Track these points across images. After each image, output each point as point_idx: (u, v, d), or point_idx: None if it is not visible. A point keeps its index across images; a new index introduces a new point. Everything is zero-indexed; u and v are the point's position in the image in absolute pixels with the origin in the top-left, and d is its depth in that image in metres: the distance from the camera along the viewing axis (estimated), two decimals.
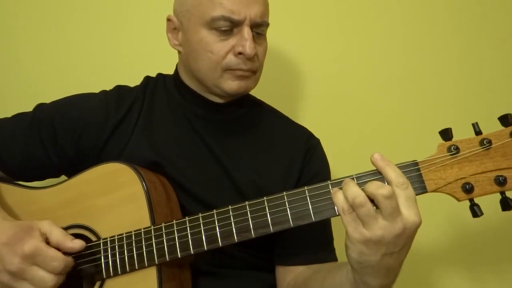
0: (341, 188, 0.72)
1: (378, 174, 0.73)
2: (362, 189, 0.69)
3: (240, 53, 0.91)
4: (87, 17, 1.37)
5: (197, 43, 0.93)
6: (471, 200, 0.73)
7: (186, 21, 0.96)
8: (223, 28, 0.91)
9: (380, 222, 0.67)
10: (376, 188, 0.68)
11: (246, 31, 0.91)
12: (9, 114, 1.01)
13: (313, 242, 0.96)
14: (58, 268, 0.79)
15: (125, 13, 1.38)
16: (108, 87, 1.04)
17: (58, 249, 0.81)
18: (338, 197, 0.70)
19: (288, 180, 0.98)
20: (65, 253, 0.81)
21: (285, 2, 1.35)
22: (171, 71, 1.07)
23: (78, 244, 0.82)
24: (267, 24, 0.96)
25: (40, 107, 1.00)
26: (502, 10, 1.38)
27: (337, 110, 1.37)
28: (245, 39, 0.90)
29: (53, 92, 1.04)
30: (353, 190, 0.69)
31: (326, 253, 0.98)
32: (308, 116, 1.34)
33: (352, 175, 0.75)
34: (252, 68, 0.94)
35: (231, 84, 0.94)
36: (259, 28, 0.94)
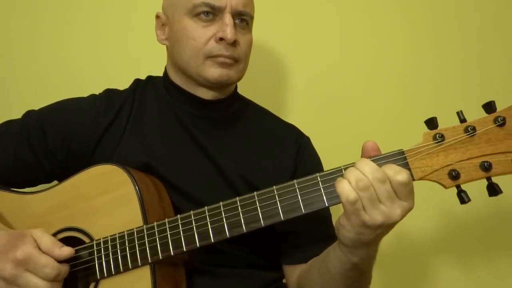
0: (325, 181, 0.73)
1: None
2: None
3: (221, 39, 0.93)
4: (76, 21, 1.38)
5: (180, 31, 0.96)
6: (458, 186, 0.74)
7: (171, 14, 0.99)
8: (204, 15, 0.94)
9: (379, 206, 0.70)
10: (371, 171, 0.70)
11: (227, 18, 0.93)
12: (9, 114, 1.02)
13: (316, 238, 0.96)
14: (50, 275, 0.78)
15: (115, 16, 1.39)
16: (98, 90, 1.05)
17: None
18: (344, 185, 0.71)
19: (280, 178, 0.96)
20: (60, 260, 0.81)
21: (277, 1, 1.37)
22: (161, 74, 1.07)
23: (66, 251, 0.82)
24: (250, 16, 0.98)
25: (29, 113, 1.01)
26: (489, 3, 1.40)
27: (324, 106, 1.38)
28: (225, 25, 0.93)
29: (42, 96, 1.05)
30: (362, 176, 0.70)
31: (327, 247, 0.98)
32: (297, 114, 1.35)
33: (341, 167, 0.76)
34: (234, 55, 0.95)
35: (213, 72, 0.95)
36: (241, 17, 0.96)
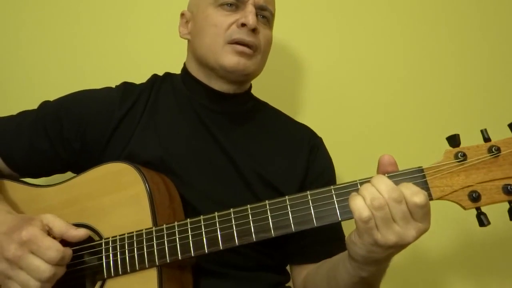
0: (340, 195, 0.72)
1: None
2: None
3: (243, 25, 0.95)
4: (93, 15, 1.38)
5: (203, 20, 0.99)
6: (478, 208, 0.72)
7: (196, 8, 1.02)
8: (228, 6, 0.97)
9: (393, 227, 0.68)
10: (387, 190, 0.67)
11: (250, 7, 0.96)
12: (10, 113, 1.02)
13: (325, 239, 0.96)
14: (55, 259, 0.77)
15: (132, 11, 1.38)
16: (115, 85, 1.04)
17: (62, 239, 0.81)
18: (357, 202, 0.69)
19: (293, 177, 0.99)
20: (65, 245, 0.80)
21: (291, 1, 1.35)
22: (178, 72, 1.08)
23: (82, 231, 0.82)
24: (271, 12, 1.02)
25: (44, 103, 1.01)
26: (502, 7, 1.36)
27: (341, 111, 1.36)
28: (248, 12, 0.96)
29: (58, 90, 1.04)
30: (378, 195, 0.68)
31: (339, 250, 0.97)
32: (312, 116, 1.33)
33: (356, 181, 0.74)
34: (255, 42, 0.96)
35: (230, 59, 0.96)
36: (263, 13, 1.00)
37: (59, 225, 0.81)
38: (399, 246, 0.70)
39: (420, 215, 0.68)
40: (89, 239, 0.86)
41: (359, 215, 0.68)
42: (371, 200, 0.67)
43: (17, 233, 0.78)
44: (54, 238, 0.80)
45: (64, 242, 0.81)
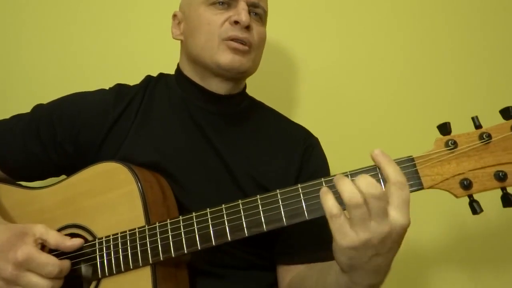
0: (330, 187, 0.68)
1: (373, 171, 0.71)
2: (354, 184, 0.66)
3: (236, 22, 0.95)
4: (93, 15, 1.38)
5: (196, 19, 0.98)
6: (470, 196, 0.70)
7: (188, 8, 1.01)
8: (219, 4, 0.96)
9: (369, 224, 0.65)
10: (367, 185, 0.64)
11: (242, 4, 0.96)
12: (9, 114, 1.02)
13: (313, 241, 0.94)
14: (53, 273, 0.79)
15: (127, 12, 1.38)
16: (109, 86, 1.04)
17: (58, 250, 0.82)
18: (328, 199, 0.66)
19: (287, 177, 0.98)
20: (61, 257, 0.81)
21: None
22: (172, 72, 1.07)
23: (77, 242, 0.83)
24: (264, 10, 1.01)
25: (38, 107, 1.01)
26: (499, 4, 1.35)
27: (338, 111, 1.35)
28: (240, 9, 0.95)
29: (53, 92, 1.04)
30: (349, 188, 0.65)
31: (326, 252, 0.95)
32: (306, 115, 1.32)
33: (347, 172, 0.73)
34: (249, 38, 0.96)
35: (226, 57, 0.95)
36: (255, 11, 0.99)
37: (53, 237, 0.82)
38: (373, 245, 0.66)
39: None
40: (83, 239, 0.86)
41: (330, 212, 0.66)
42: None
43: (12, 252, 0.79)
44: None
45: None
